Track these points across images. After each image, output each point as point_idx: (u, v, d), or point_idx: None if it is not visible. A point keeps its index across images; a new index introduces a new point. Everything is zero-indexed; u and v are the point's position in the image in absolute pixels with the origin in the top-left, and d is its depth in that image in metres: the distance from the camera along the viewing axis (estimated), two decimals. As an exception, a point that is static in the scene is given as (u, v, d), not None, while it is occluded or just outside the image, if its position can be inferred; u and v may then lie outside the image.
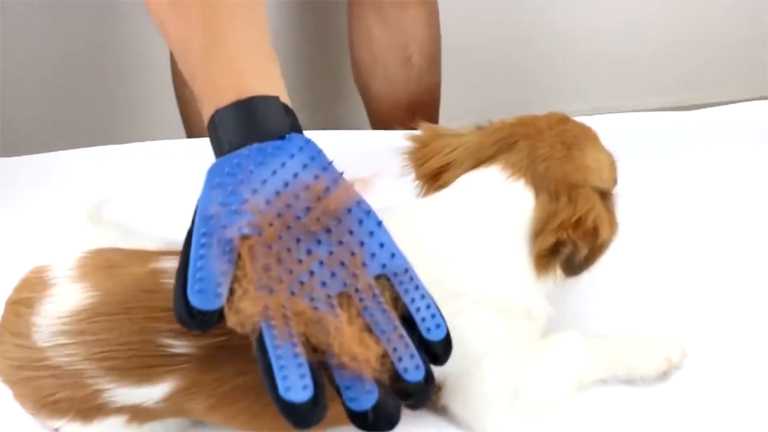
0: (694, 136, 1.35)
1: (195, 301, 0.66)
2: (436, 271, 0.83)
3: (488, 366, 0.86)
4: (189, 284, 0.66)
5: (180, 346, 0.79)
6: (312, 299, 0.68)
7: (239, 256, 0.68)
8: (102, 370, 0.80)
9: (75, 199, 1.16)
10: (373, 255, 0.72)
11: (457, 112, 1.78)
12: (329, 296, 0.69)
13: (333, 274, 0.70)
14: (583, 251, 0.86)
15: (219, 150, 0.76)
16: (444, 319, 0.72)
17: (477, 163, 0.91)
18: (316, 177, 0.74)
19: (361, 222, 0.73)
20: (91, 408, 0.82)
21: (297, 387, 0.64)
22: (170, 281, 0.77)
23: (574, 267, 0.88)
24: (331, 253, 0.71)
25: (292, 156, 0.74)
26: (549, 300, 0.90)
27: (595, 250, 0.87)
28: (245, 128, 0.75)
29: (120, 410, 0.83)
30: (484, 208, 0.88)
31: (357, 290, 0.70)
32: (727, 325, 1.01)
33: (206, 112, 0.78)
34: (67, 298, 0.82)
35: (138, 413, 0.83)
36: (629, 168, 0.97)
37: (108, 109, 2.24)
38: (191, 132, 1.85)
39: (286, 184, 0.73)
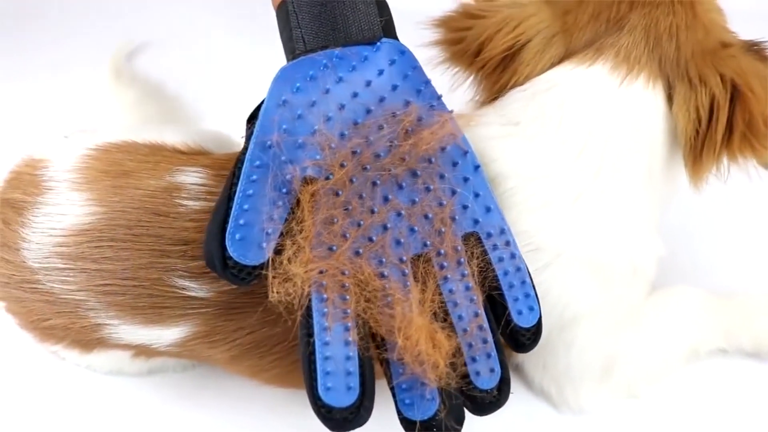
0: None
1: (233, 249, 0.53)
2: (517, 220, 0.64)
3: (577, 333, 0.69)
4: (229, 227, 0.53)
5: (196, 288, 0.64)
6: (381, 262, 0.55)
7: (297, 202, 0.54)
8: (104, 304, 0.65)
9: (109, 40, 1.05)
10: (465, 208, 0.58)
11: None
12: (402, 260, 0.55)
13: (412, 230, 0.56)
14: None
15: (289, 45, 0.58)
16: (538, 301, 0.58)
17: (566, 53, 0.66)
18: (407, 103, 0.57)
19: (455, 165, 0.58)
20: (91, 340, 0.69)
21: (340, 387, 0.51)
22: (187, 204, 0.64)
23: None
24: (413, 202, 0.56)
25: (380, 72, 0.57)
26: (662, 234, 0.70)
27: None
28: (326, 24, 0.57)
29: (125, 346, 0.69)
30: (589, 132, 0.64)
31: (439, 254, 0.56)
32: None
33: None
34: (64, 210, 0.66)
35: (146, 351, 0.70)
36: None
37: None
38: None
39: (368, 111, 0.57)
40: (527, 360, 0.73)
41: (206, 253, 0.54)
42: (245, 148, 0.56)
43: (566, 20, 0.66)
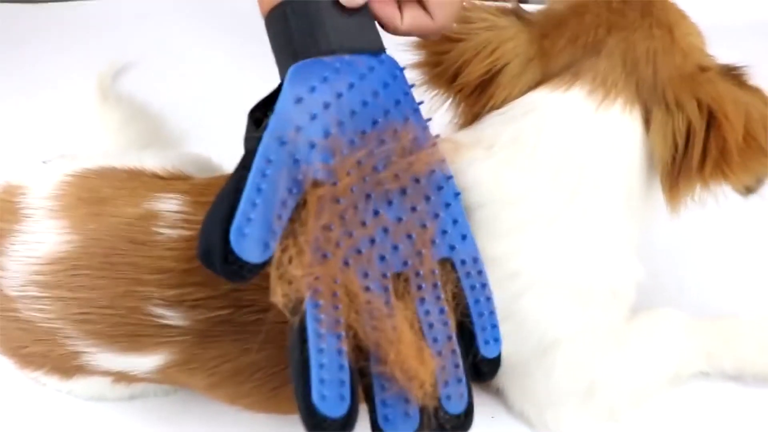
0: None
1: (238, 244, 0.50)
2: (492, 244, 0.63)
3: (557, 357, 0.68)
4: (236, 221, 0.50)
5: (173, 317, 0.64)
6: (366, 275, 0.54)
7: (304, 203, 0.53)
8: (81, 332, 0.65)
9: (96, 59, 1.05)
10: (444, 233, 0.58)
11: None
12: (386, 276, 0.55)
13: (395, 248, 0.56)
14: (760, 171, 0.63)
15: (289, 48, 0.57)
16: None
17: (543, 77, 0.66)
18: (406, 120, 0.57)
19: (440, 189, 0.58)
20: (70, 367, 0.69)
21: (334, 396, 0.50)
22: (164, 232, 0.64)
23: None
24: (400, 220, 0.56)
25: (385, 86, 0.57)
26: (641, 257, 0.69)
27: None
28: (341, 27, 0.57)
29: (104, 373, 0.69)
30: (565, 156, 0.64)
31: (417, 275, 0.56)
32: None
33: None
34: (41, 239, 0.66)
35: (126, 377, 0.69)
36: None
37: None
38: None
39: (374, 123, 0.56)
40: (508, 383, 0.73)
41: (204, 245, 0.51)
42: (251, 138, 0.54)
43: (543, 44, 0.66)
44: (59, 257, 0.65)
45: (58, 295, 0.65)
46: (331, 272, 0.52)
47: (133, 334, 0.64)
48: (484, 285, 0.58)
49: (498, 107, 0.66)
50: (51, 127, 1.02)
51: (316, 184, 0.53)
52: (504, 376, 0.72)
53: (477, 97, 0.66)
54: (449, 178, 0.58)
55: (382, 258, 0.55)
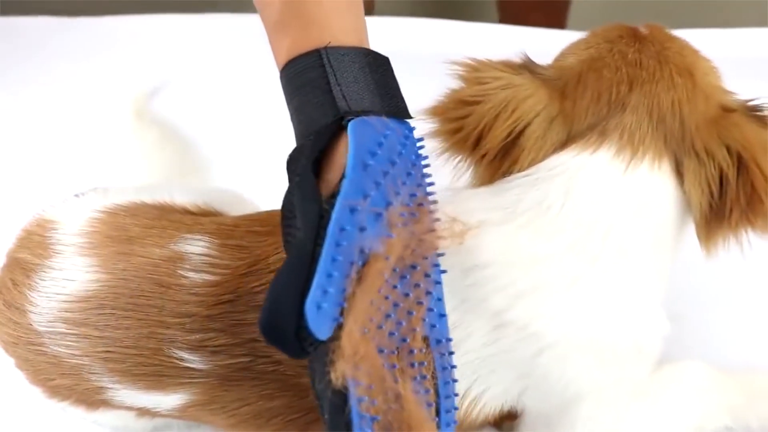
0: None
1: (314, 319, 0.47)
2: (505, 307, 0.62)
3: (580, 411, 0.67)
4: (313, 294, 0.47)
5: (196, 361, 0.64)
6: (381, 351, 0.52)
7: (360, 277, 0.50)
8: (105, 369, 0.66)
9: (129, 79, 1.05)
10: (430, 311, 0.56)
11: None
12: (393, 352, 0.53)
13: (399, 324, 0.54)
14: None
15: (323, 99, 0.56)
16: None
17: (568, 137, 0.64)
18: (426, 196, 0.56)
19: (436, 266, 0.57)
20: (95, 400, 0.70)
21: None
22: (190, 276, 0.65)
23: None
24: (407, 296, 0.54)
25: (417, 155, 0.57)
26: (667, 301, 0.68)
27: None
28: (377, 87, 0.56)
29: (128, 408, 0.70)
30: (592, 219, 0.62)
31: (411, 352, 0.54)
32: None
33: (301, 38, 0.58)
34: (70, 276, 0.67)
35: (149, 412, 0.70)
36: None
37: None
38: None
39: (413, 196, 0.55)
40: None
41: (271, 319, 0.47)
42: (305, 196, 0.52)
43: (565, 105, 0.64)
44: (87, 295, 0.66)
45: (84, 333, 0.66)
46: (370, 351, 0.50)
47: (155, 374, 0.65)
48: (453, 367, 0.57)
49: (524, 170, 0.64)
50: (83, 147, 1.03)
51: (375, 257, 0.50)
52: (526, 425, 0.71)
53: (501, 161, 0.64)
54: (441, 254, 0.57)
55: (392, 334, 0.53)
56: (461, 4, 1.79)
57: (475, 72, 0.64)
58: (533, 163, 0.63)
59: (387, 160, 0.54)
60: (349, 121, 0.54)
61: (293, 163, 0.55)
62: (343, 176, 0.52)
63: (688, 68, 0.65)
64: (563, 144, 0.64)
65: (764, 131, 0.62)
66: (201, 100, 1.10)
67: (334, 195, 0.51)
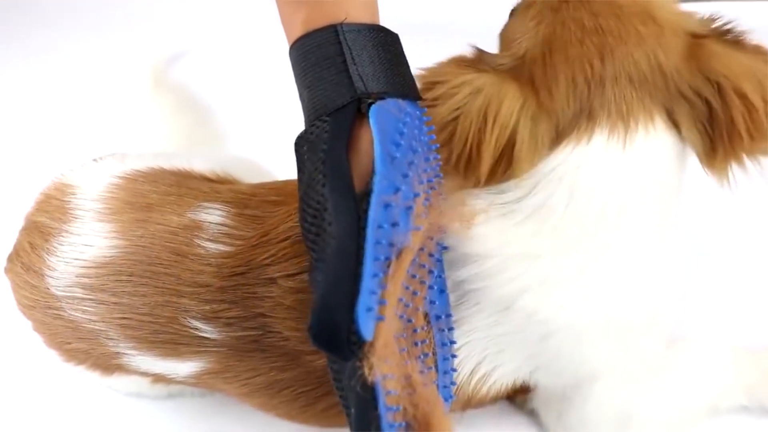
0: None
1: (363, 322, 0.45)
2: (511, 299, 0.62)
3: (593, 388, 0.68)
4: (362, 296, 0.45)
5: (209, 331, 0.64)
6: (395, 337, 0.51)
7: (392, 272, 0.49)
8: (122, 336, 0.67)
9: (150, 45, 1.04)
10: (430, 288, 0.56)
11: None
12: (403, 336, 0.52)
13: (406, 306, 0.53)
14: None
15: (337, 78, 0.54)
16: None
17: (557, 130, 0.60)
18: (438, 177, 0.56)
19: (438, 246, 0.57)
20: (111, 365, 0.71)
21: None
22: (206, 246, 0.65)
23: None
24: (414, 277, 0.53)
25: (428, 137, 0.56)
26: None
27: None
28: (391, 67, 0.55)
29: (143, 374, 0.70)
30: (601, 208, 0.60)
31: (414, 331, 0.54)
32: None
33: (315, 12, 0.56)
34: (88, 241, 0.67)
35: (164, 379, 0.71)
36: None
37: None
38: None
39: (430, 181, 0.54)
40: (543, 407, 0.72)
41: (326, 326, 0.45)
42: (337, 188, 0.50)
43: (542, 99, 0.60)
44: (105, 261, 0.66)
45: (101, 299, 0.66)
46: (390, 340, 0.48)
47: (171, 341, 0.66)
48: (452, 343, 0.56)
49: (521, 176, 0.61)
50: (101, 113, 1.03)
51: (406, 251, 0.49)
52: (540, 399, 0.71)
53: (501, 174, 0.60)
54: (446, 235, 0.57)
55: (401, 317, 0.52)
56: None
57: (426, 78, 0.60)
58: (530, 168, 0.60)
59: (409, 148, 0.52)
60: (368, 105, 0.52)
61: (306, 143, 0.53)
62: (372, 171, 0.50)
63: (648, 12, 0.61)
64: (554, 140, 0.60)
65: (742, 55, 0.60)
66: (219, 69, 1.09)
67: (367, 192, 0.49)
